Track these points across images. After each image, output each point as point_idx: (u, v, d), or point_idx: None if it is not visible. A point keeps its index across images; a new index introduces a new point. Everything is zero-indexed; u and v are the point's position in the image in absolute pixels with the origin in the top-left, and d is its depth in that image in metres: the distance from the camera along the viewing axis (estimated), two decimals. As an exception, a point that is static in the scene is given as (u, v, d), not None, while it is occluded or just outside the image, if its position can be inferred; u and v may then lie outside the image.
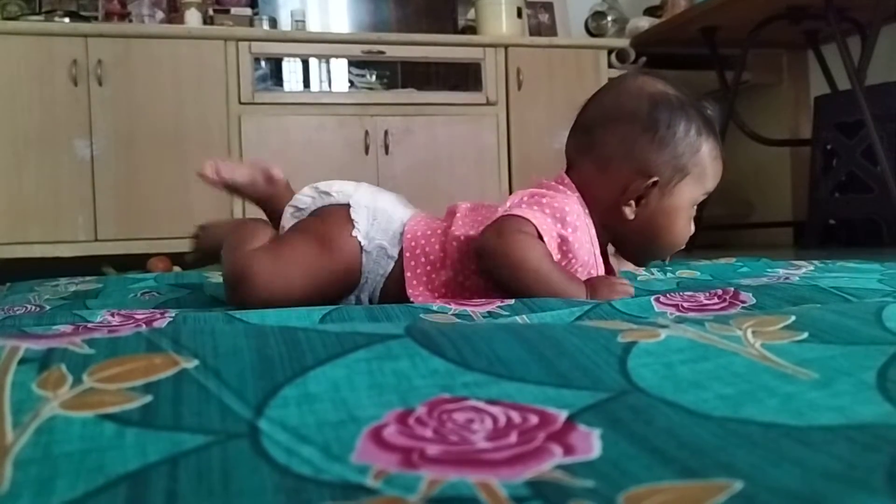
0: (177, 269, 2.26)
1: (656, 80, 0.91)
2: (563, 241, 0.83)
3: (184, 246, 2.65)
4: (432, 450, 0.29)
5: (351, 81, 2.75)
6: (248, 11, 2.80)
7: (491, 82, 2.75)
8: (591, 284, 0.81)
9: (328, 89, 2.72)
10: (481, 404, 0.33)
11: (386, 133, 2.64)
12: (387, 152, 2.65)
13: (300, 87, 2.67)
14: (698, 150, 0.88)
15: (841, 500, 0.25)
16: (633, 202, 0.87)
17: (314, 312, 0.65)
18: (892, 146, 2.33)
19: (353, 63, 2.74)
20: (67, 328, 0.63)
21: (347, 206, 0.90)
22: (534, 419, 0.32)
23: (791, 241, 2.99)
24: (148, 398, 0.32)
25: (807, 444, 0.30)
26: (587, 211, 0.87)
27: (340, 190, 0.92)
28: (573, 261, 0.84)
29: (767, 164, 3.08)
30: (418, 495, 0.26)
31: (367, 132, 2.63)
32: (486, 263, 0.83)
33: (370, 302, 0.90)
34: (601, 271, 0.89)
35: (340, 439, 0.30)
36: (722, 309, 0.68)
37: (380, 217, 0.90)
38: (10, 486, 0.26)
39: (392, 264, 0.89)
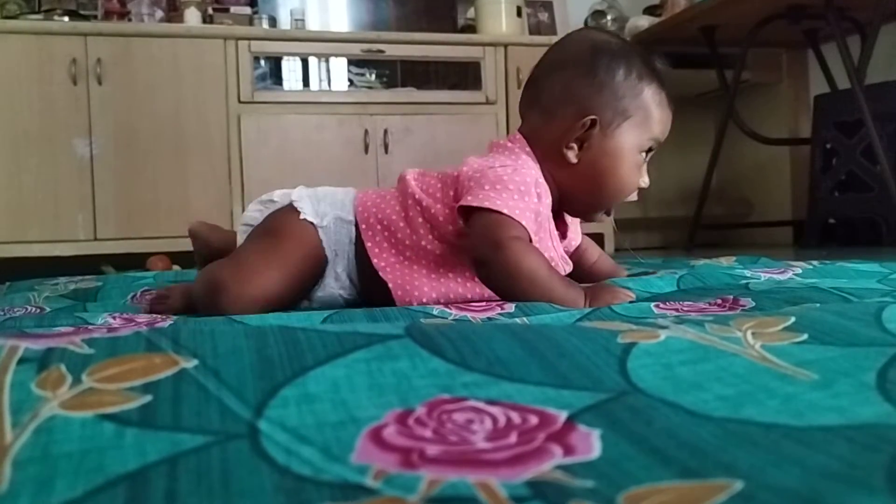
0: (176, 267, 2.26)
1: (600, 31, 0.94)
2: (537, 215, 0.84)
3: (183, 245, 2.65)
4: (432, 450, 0.29)
5: (350, 80, 2.75)
6: (247, 10, 2.80)
7: (490, 81, 2.75)
8: (591, 291, 0.80)
9: (328, 88, 2.72)
10: (481, 405, 0.33)
11: (385, 132, 2.64)
12: (386, 151, 2.65)
13: (300, 86, 2.67)
14: (640, 93, 0.89)
15: (841, 499, 0.25)
16: (574, 145, 0.88)
17: (314, 315, 0.65)
18: (891, 145, 2.33)
19: (353, 62, 2.74)
20: (68, 329, 0.63)
21: (291, 204, 0.91)
22: (533, 419, 0.32)
23: (790, 240, 2.99)
24: (147, 398, 0.32)
25: (807, 445, 0.30)
26: (539, 167, 0.89)
27: (281, 194, 0.94)
28: (540, 231, 0.85)
29: (767, 164, 3.08)
30: (418, 495, 0.26)
31: (366, 131, 2.63)
32: (485, 274, 0.83)
33: (350, 278, 0.90)
34: (553, 231, 0.90)
35: (340, 439, 0.30)
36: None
37: (324, 197, 0.92)
38: (10, 486, 0.26)
39: (353, 230, 0.89)
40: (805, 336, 0.42)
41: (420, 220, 0.88)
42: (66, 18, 2.56)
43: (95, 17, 2.68)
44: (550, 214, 0.90)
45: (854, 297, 0.70)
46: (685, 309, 0.69)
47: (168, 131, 2.49)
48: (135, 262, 2.31)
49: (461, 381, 0.35)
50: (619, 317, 0.63)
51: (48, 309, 0.84)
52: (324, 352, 0.37)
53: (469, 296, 0.87)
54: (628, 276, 1.01)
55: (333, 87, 2.73)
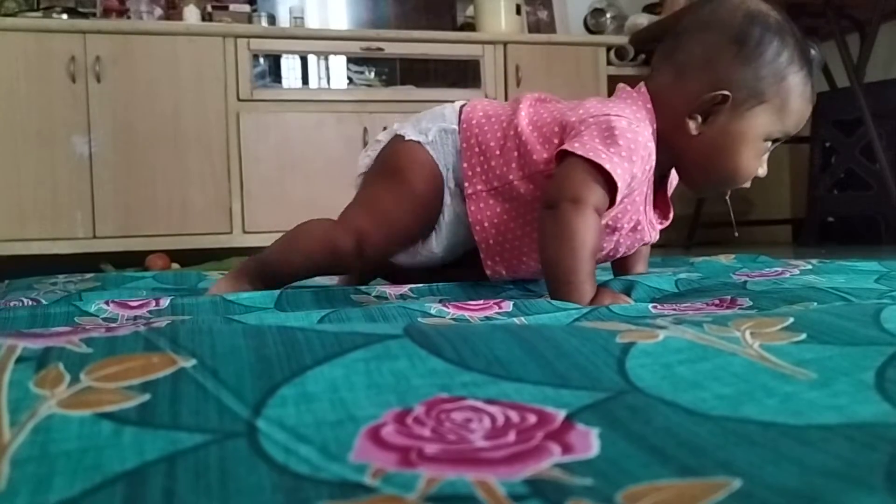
0: (175, 265, 2.26)
1: (761, 0, 0.85)
2: (632, 179, 0.80)
3: (182, 243, 2.64)
4: (430, 448, 0.29)
5: (350, 78, 2.75)
6: (246, 8, 2.80)
7: (490, 79, 2.74)
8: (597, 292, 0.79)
9: (327, 86, 2.72)
10: (479, 404, 0.33)
11: (385, 130, 2.64)
12: (385, 149, 2.65)
13: (299, 83, 2.67)
14: (783, 78, 0.82)
15: (839, 498, 0.25)
16: (699, 116, 0.83)
17: (312, 314, 0.65)
18: (890, 143, 2.33)
19: (352, 60, 2.74)
20: (66, 328, 0.63)
21: (395, 138, 0.93)
22: (532, 418, 0.32)
23: (790, 238, 2.99)
24: (146, 397, 0.32)
25: (805, 443, 0.30)
26: (655, 128, 0.84)
27: (386, 132, 0.95)
28: (634, 193, 0.82)
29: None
30: (416, 494, 0.26)
31: (365, 129, 2.63)
32: (545, 214, 0.79)
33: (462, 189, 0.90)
34: (650, 194, 0.86)
35: (338, 438, 0.30)
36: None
37: (424, 117, 0.92)
38: (8, 485, 0.26)
39: (458, 139, 0.89)
40: (804, 335, 0.42)
41: (515, 153, 0.85)
42: (64, 16, 2.56)
43: (94, 14, 2.68)
44: (651, 178, 0.85)
45: (852, 296, 0.70)
46: (683, 309, 0.69)
47: (167, 129, 2.48)
48: (134, 260, 2.31)
49: (460, 381, 0.35)
50: (616, 317, 0.63)
51: (44, 301, 0.83)
52: (322, 351, 0.37)
53: (532, 258, 0.87)
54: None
55: (333, 85, 2.73)
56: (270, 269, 0.93)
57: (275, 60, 2.67)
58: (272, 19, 2.80)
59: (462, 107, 0.92)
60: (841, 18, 2.40)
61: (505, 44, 2.76)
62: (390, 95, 2.71)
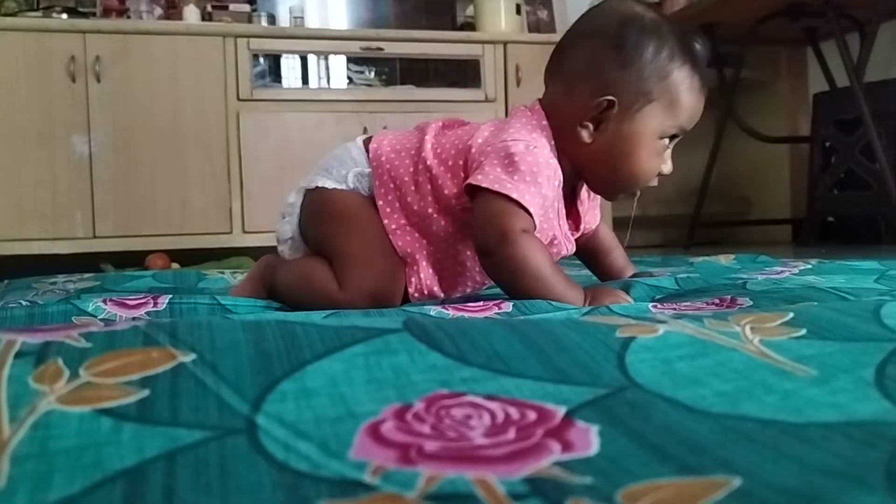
0: (175, 265, 2.26)
1: (635, 3, 0.86)
2: (544, 199, 0.80)
3: (182, 243, 2.64)
4: (430, 446, 0.29)
5: (350, 78, 2.75)
6: (246, 8, 2.80)
7: (490, 79, 2.74)
8: (593, 292, 0.79)
9: (327, 86, 2.72)
10: (479, 400, 0.33)
11: (384, 129, 2.64)
12: (385, 149, 2.65)
13: (299, 83, 2.67)
14: (668, 75, 0.82)
15: (839, 496, 0.25)
16: (590, 125, 0.83)
17: (312, 314, 0.65)
18: (890, 143, 2.33)
19: (352, 60, 2.74)
20: (65, 324, 0.63)
21: (306, 193, 0.90)
22: (532, 415, 0.32)
23: (789, 238, 2.99)
24: (145, 393, 0.32)
25: (805, 441, 0.30)
26: (551, 141, 0.84)
27: (293, 193, 0.92)
28: (548, 210, 0.83)
29: (766, 162, 3.08)
30: (416, 492, 0.26)
31: (365, 129, 2.63)
32: (488, 264, 0.80)
33: None
34: (561, 208, 0.87)
35: (338, 435, 0.30)
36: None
37: (329, 165, 0.90)
38: (7, 482, 0.26)
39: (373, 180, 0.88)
40: (804, 331, 0.42)
41: (428, 186, 0.85)
42: (64, 16, 2.55)
43: (94, 14, 2.68)
44: (560, 194, 0.86)
45: (852, 296, 0.70)
46: (682, 309, 0.69)
47: (167, 129, 2.48)
48: (134, 259, 2.31)
49: (459, 376, 0.35)
50: (616, 314, 0.63)
51: (41, 302, 0.83)
52: (322, 346, 0.36)
53: (469, 278, 0.87)
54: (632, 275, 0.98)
55: (332, 85, 2.72)
56: (279, 296, 0.91)
57: (275, 60, 2.67)
58: (272, 19, 2.80)
59: (366, 142, 0.91)
60: (841, 18, 2.40)
61: (505, 43, 2.76)
62: (390, 95, 2.70)
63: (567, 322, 0.44)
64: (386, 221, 0.86)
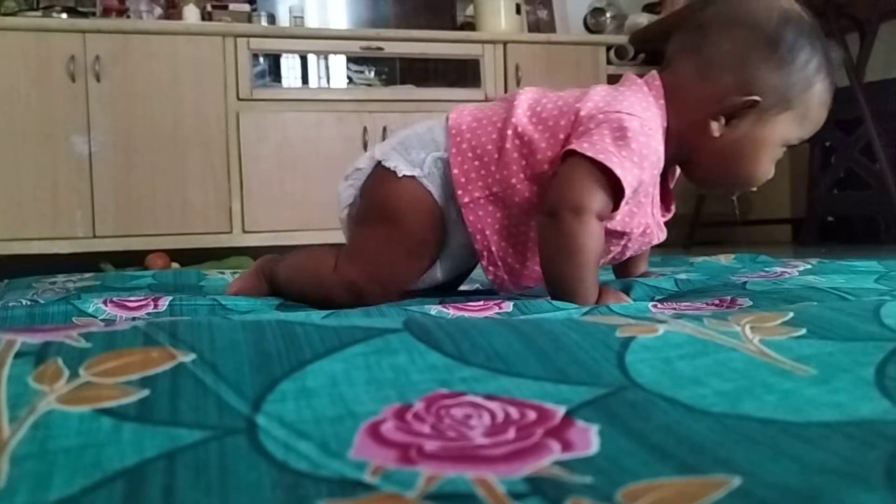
0: (175, 265, 2.26)
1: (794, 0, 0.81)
2: (640, 184, 0.76)
3: (182, 242, 2.64)
4: (430, 446, 0.29)
5: (349, 78, 2.75)
6: (246, 7, 2.80)
7: (490, 79, 2.74)
8: (601, 295, 0.77)
9: (326, 85, 2.72)
10: (479, 399, 0.33)
11: (384, 129, 2.64)
12: (385, 149, 2.64)
13: (298, 83, 2.67)
14: (810, 86, 0.79)
15: (839, 496, 0.25)
16: (723, 118, 0.79)
17: (312, 314, 0.65)
18: (890, 143, 2.33)
19: (352, 59, 2.74)
20: (64, 324, 0.63)
21: (379, 165, 0.84)
22: (532, 415, 0.32)
23: (789, 237, 2.99)
24: (145, 392, 0.32)
25: (805, 441, 0.30)
26: (665, 126, 0.80)
27: (366, 157, 0.87)
28: (640, 195, 0.78)
29: (766, 161, 3.07)
30: (416, 491, 0.26)
31: (365, 128, 2.63)
32: (545, 223, 0.76)
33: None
34: (657, 195, 0.83)
35: (338, 435, 0.30)
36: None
37: (409, 143, 0.85)
38: (7, 482, 0.26)
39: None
40: (803, 330, 0.42)
41: (516, 154, 0.80)
42: (64, 15, 2.55)
43: (94, 14, 2.68)
44: (657, 180, 0.82)
45: (852, 296, 0.70)
46: (682, 309, 0.69)
47: (167, 129, 2.48)
48: (134, 259, 2.31)
49: (459, 376, 0.35)
50: (616, 314, 0.63)
51: (41, 301, 0.83)
52: (322, 346, 0.36)
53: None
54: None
55: (332, 85, 2.72)
56: (279, 286, 0.91)
57: (274, 60, 2.67)
58: (272, 19, 2.80)
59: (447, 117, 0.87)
60: (841, 18, 2.39)
61: (505, 43, 2.76)
62: (390, 95, 2.70)
63: (567, 322, 0.44)
64: (460, 192, 0.81)
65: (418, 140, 0.85)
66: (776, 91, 0.78)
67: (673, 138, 0.81)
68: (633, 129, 0.75)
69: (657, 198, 0.84)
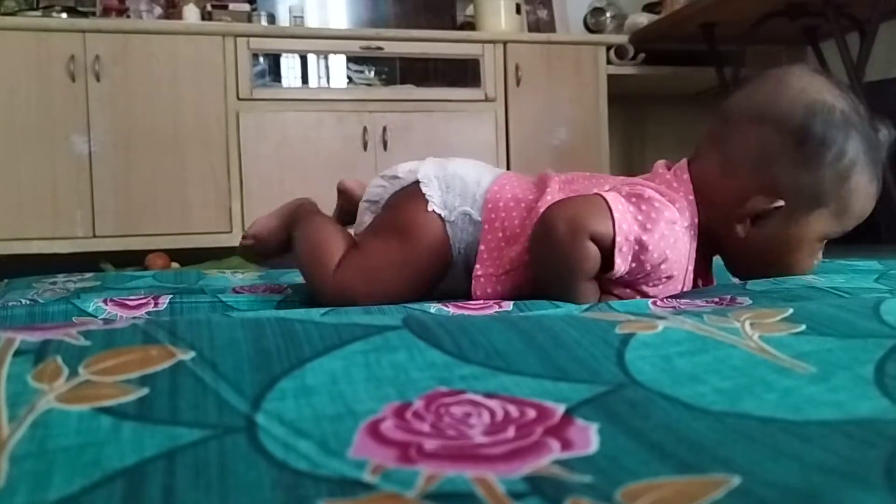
0: (175, 265, 2.26)
1: (828, 83, 0.77)
2: (641, 249, 0.72)
3: (182, 242, 2.64)
4: (430, 444, 0.29)
5: (349, 77, 2.75)
6: (246, 7, 2.80)
7: (490, 78, 2.74)
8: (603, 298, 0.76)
9: (326, 85, 2.72)
10: (479, 398, 0.33)
11: (384, 129, 2.64)
12: (385, 148, 2.65)
13: (298, 83, 2.67)
14: (846, 180, 0.74)
15: (838, 495, 0.25)
16: (748, 220, 0.76)
17: (312, 311, 0.65)
18: (890, 143, 2.33)
19: (352, 59, 2.74)
20: (64, 322, 0.63)
21: (417, 183, 0.84)
22: (531, 413, 0.32)
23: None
24: (144, 391, 0.32)
25: (805, 440, 0.30)
26: (695, 222, 0.76)
27: (408, 170, 0.86)
28: (651, 272, 0.74)
29: (766, 161, 3.07)
30: (416, 491, 0.26)
31: (365, 128, 2.63)
32: (541, 244, 0.75)
33: (469, 273, 0.83)
34: (688, 284, 0.79)
35: (338, 434, 0.30)
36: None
37: (453, 183, 0.83)
38: (6, 482, 0.26)
39: (479, 231, 0.81)
40: (803, 327, 0.42)
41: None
42: (64, 15, 2.55)
43: (94, 13, 2.68)
44: (690, 277, 0.78)
45: (852, 296, 0.70)
46: (682, 307, 0.69)
47: (167, 128, 2.48)
48: (134, 259, 2.31)
49: (459, 374, 0.35)
50: (615, 311, 0.63)
51: (41, 301, 0.83)
52: (321, 343, 0.36)
53: None
54: None
55: (332, 85, 2.72)
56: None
57: (274, 59, 2.67)
58: (272, 18, 2.80)
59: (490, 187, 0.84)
60: (841, 17, 2.39)
61: (505, 43, 2.76)
62: (390, 95, 2.70)
63: (566, 319, 0.44)
64: (478, 266, 0.80)
65: (461, 186, 0.84)
66: (804, 191, 0.74)
67: (706, 233, 0.78)
68: (652, 195, 0.73)
69: (689, 286, 0.80)
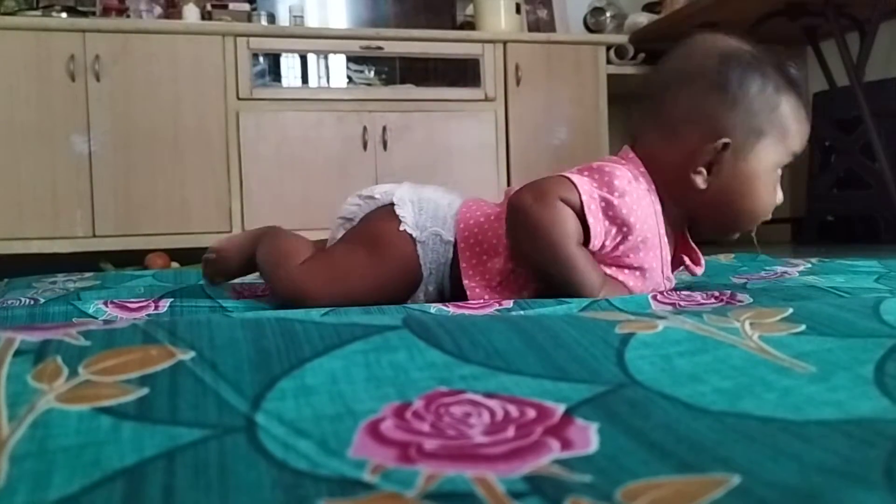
0: (175, 264, 2.26)
1: (728, 37, 0.84)
2: (608, 206, 0.76)
3: (182, 241, 2.64)
4: (430, 444, 0.29)
5: (349, 77, 2.75)
6: (246, 7, 2.80)
7: (489, 78, 2.74)
8: (608, 286, 0.78)
9: (326, 85, 2.72)
10: (479, 398, 0.33)
11: (384, 129, 2.64)
12: (385, 148, 2.65)
13: (298, 82, 2.67)
14: (776, 107, 0.80)
15: (838, 494, 0.25)
16: (703, 169, 0.81)
17: (312, 313, 0.65)
18: (890, 143, 2.33)
19: (352, 59, 2.74)
20: (64, 322, 0.62)
21: (392, 205, 0.87)
22: (531, 413, 0.32)
23: (789, 237, 2.99)
24: (144, 391, 0.32)
25: (804, 439, 0.30)
26: (653, 188, 0.81)
27: (383, 191, 0.89)
28: (626, 232, 0.78)
29: (766, 161, 3.07)
30: (416, 490, 0.26)
31: (365, 128, 2.63)
32: (515, 223, 0.79)
33: (441, 294, 0.87)
34: (666, 253, 0.83)
35: (338, 433, 0.30)
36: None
37: (426, 206, 0.87)
38: (7, 481, 0.26)
39: (451, 250, 0.85)
40: (803, 327, 0.42)
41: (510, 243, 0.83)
42: (64, 15, 2.55)
43: (94, 13, 2.67)
44: (665, 242, 0.82)
45: (852, 296, 0.70)
46: (682, 303, 0.69)
47: (166, 128, 2.48)
48: (133, 259, 2.31)
49: (459, 374, 0.35)
50: (616, 309, 0.63)
51: (42, 300, 0.83)
52: (321, 343, 0.36)
53: None
54: None
55: (332, 84, 2.72)
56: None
57: (274, 59, 2.66)
58: (272, 18, 2.80)
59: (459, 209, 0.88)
60: (841, 17, 2.39)
61: (504, 42, 2.76)
62: (390, 94, 2.70)
63: (566, 318, 0.44)
64: (467, 282, 0.83)
65: (434, 209, 0.87)
66: (742, 126, 0.80)
67: (670, 201, 0.83)
68: (600, 164, 0.79)
69: (667, 258, 0.84)
